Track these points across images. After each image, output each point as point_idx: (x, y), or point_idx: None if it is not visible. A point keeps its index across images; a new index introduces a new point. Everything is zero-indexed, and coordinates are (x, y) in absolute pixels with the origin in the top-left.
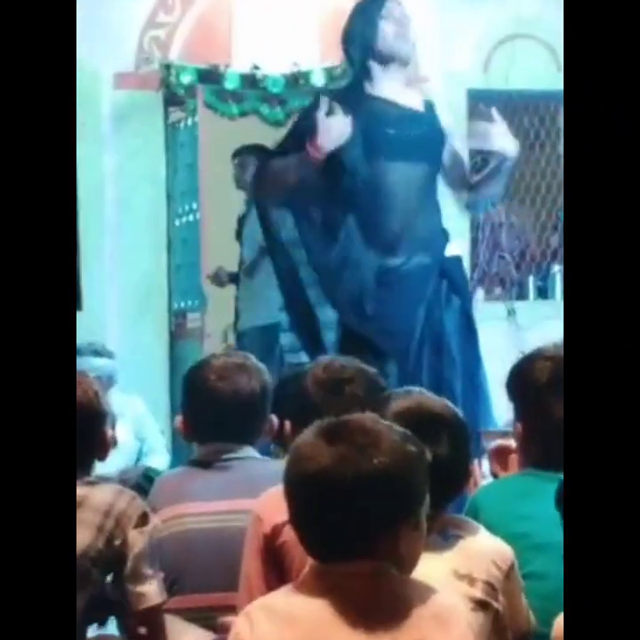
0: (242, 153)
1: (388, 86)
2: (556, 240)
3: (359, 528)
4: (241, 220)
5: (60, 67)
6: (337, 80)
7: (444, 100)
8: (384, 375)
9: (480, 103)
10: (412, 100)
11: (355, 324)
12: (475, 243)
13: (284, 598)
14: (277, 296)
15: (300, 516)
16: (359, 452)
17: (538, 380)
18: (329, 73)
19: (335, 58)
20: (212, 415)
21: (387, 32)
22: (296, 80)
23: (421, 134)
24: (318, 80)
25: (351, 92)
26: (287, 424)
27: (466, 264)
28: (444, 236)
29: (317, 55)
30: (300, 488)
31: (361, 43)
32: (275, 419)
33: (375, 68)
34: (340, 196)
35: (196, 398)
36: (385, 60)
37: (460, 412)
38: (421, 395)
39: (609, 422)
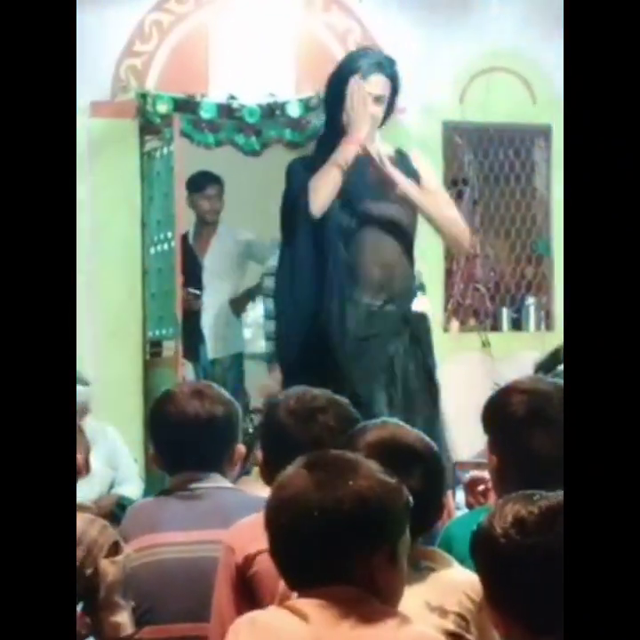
0: (210, 182)
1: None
2: (530, 272)
3: (335, 553)
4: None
5: (56, 94)
6: (312, 110)
7: (419, 132)
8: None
9: (455, 135)
10: (383, 152)
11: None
12: (449, 274)
13: (268, 613)
14: (239, 324)
15: (278, 542)
16: (337, 478)
17: (514, 413)
18: (305, 104)
19: (311, 89)
20: (174, 443)
21: (360, 94)
22: (272, 110)
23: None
24: (294, 111)
25: (327, 143)
26: (259, 454)
27: (440, 295)
28: (414, 289)
29: (293, 86)
30: (278, 513)
31: (337, 104)
32: (242, 447)
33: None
34: (329, 233)
35: (160, 428)
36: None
37: (433, 445)
38: (397, 426)
39: (608, 430)
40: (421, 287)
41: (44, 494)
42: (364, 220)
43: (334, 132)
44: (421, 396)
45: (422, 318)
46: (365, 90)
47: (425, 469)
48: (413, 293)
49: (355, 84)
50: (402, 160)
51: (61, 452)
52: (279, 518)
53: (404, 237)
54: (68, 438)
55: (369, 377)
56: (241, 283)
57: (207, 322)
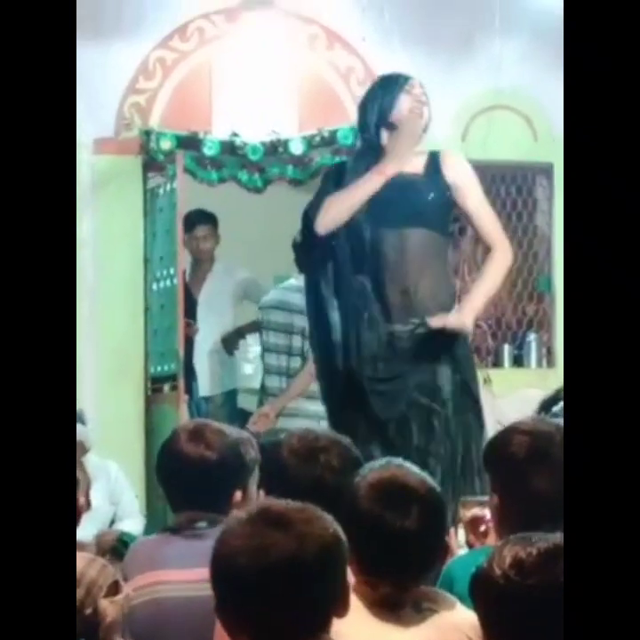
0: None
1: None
2: (531, 309)
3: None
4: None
5: (58, 131)
6: (315, 148)
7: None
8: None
9: None
10: (412, 164)
11: (363, 384)
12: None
13: None
14: (236, 362)
15: (235, 607)
16: (274, 540)
17: (515, 454)
18: (308, 141)
19: (313, 126)
20: (176, 484)
21: (403, 104)
22: (275, 148)
23: (424, 200)
24: (297, 148)
25: (364, 158)
26: (261, 494)
27: None
28: (450, 303)
29: (296, 123)
30: (229, 584)
31: (378, 111)
32: (239, 494)
33: (385, 135)
34: (355, 258)
35: (162, 467)
36: (394, 130)
37: (435, 486)
38: (398, 467)
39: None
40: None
41: (44, 532)
42: (384, 240)
43: (372, 145)
44: (467, 421)
45: (462, 339)
46: (420, 122)
47: (423, 511)
48: (450, 309)
49: (415, 111)
50: (433, 165)
51: (61, 490)
52: (222, 577)
53: (436, 243)
54: (67, 476)
55: (403, 412)
56: (235, 321)
57: (199, 359)
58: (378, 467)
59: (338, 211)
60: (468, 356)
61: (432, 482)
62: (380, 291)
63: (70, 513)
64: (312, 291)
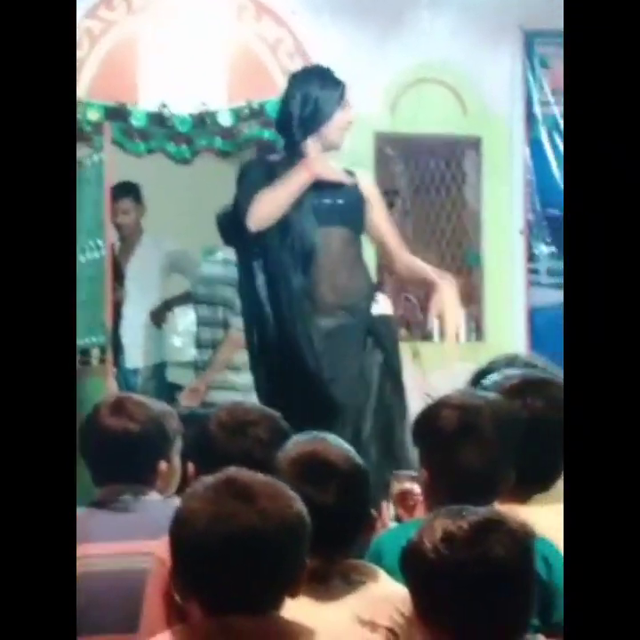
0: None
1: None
2: (460, 283)
3: (256, 584)
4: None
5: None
6: (244, 120)
7: (351, 143)
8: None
9: (387, 146)
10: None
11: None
12: (380, 285)
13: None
14: (165, 335)
15: (189, 572)
16: (236, 510)
17: (444, 428)
18: (236, 113)
19: (242, 98)
20: (98, 457)
21: (337, 123)
22: (203, 119)
23: (348, 200)
24: (225, 120)
25: (290, 162)
26: (190, 466)
27: None
28: (371, 293)
29: (225, 95)
30: (186, 548)
31: (307, 125)
32: (163, 464)
33: (311, 145)
34: (289, 256)
35: (84, 442)
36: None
37: (356, 460)
38: (321, 441)
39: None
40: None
41: (43, 530)
42: (315, 240)
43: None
44: (392, 403)
45: (384, 321)
46: (345, 123)
47: (343, 485)
48: (371, 300)
49: (344, 116)
50: (351, 176)
51: (61, 488)
52: (188, 552)
53: (357, 240)
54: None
55: (345, 395)
56: (164, 293)
57: (127, 331)
58: (302, 441)
59: (269, 209)
60: (392, 340)
61: (355, 456)
62: (307, 280)
63: (70, 513)
64: (243, 267)
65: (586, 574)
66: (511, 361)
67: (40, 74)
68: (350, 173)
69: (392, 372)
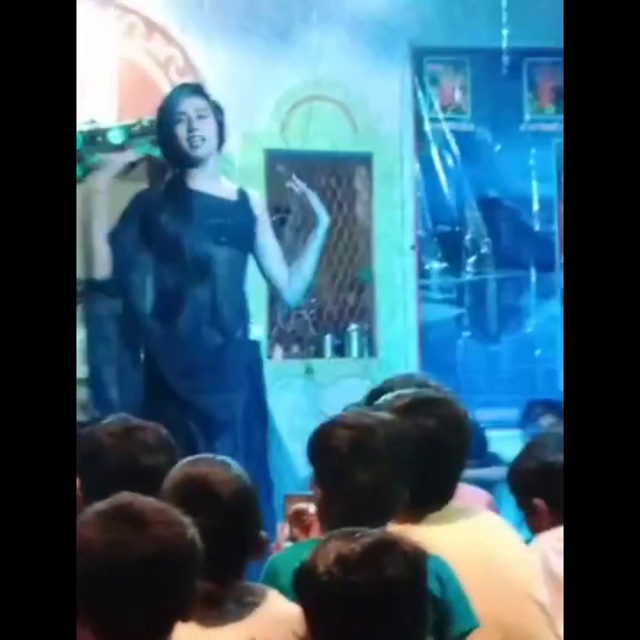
0: None
1: (201, 180)
2: (352, 299)
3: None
4: None
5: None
6: (135, 137)
7: (242, 160)
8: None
9: (278, 163)
10: (225, 190)
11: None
12: (273, 301)
13: None
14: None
15: (83, 599)
16: (130, 538)
17: (338, 447)
18: (127, 130)
19: (132, 116)
20: None
21: (180, 138)
22: (94, 137)
23: (236, 221)
24: (116, 137)
25: (175, 186)
26: (78, 482)
27: (264, 322)
28: (247, 318)
29: (115, 112)
30: (79, 576)
31: (166, 151)
32: None
33: (186, 169)
34: (183, 274)
35: None
36: (190, 163)
37: (240, 482)
38: (203, 464)
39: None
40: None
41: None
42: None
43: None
44: (253, 422)
45: (255, 346)
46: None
47: (226, 508)
48: (247, 324)
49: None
50: (243, 197)
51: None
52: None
53: (242, 263)
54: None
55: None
56: None
57: None
58: (186, 465)
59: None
60: (259, 362)
61: (240, 477)
62: (209, 303)
63: (70, 511)
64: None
65: (586, 577)
66: (406, 380)
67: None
68: (242, 192)
69: (256, 392)
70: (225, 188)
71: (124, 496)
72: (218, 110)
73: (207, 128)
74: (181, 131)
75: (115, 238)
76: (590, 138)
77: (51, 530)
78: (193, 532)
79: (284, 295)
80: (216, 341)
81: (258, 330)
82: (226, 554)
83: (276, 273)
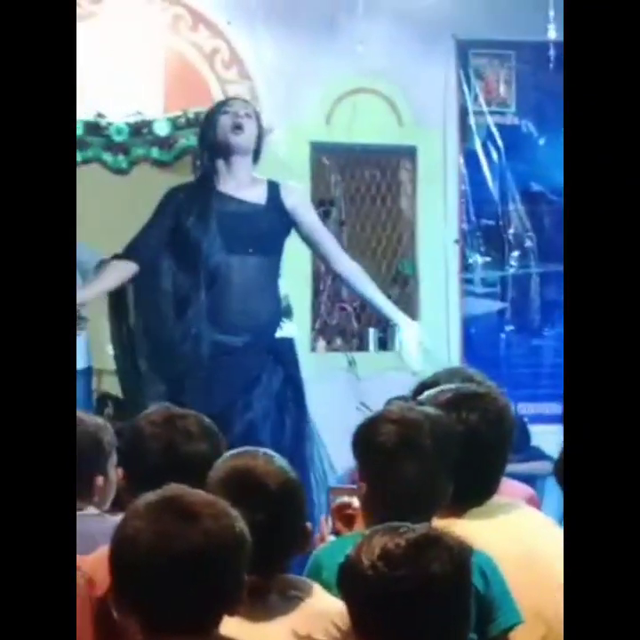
0: None
1: (231, 182)
2: (395, 292)
3: (194, 604)
4: None
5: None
6: (180, 129)
7: (287, 153)
8: None
9: (322, 156)
10: (255, 193)
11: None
12: (316, 294)
13: None
14: (85, 339)
15: (130, 590)
16: (179, 530)
17: (383, 443)
18: (172, 122)
19: (178, 108)
20: None
21: (223, 124)
22: (139, 129)
23: (265, 229)
24: (162, 129)
25: (203, 187)
26: (119, 472)
27: (307, 316)
28: (277, 319)
29: (161, 104)
30: (128, 566)
31: (205, 139)
32: (100, 478)
33: (220, 163)
34: (195, 276)
35: None
36: (225, 153)
37: (288, 475)
38: (250, 457)
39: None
40: (288, 311)
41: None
42: (228, 262)
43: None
44: (290, 411)
45: (288, 343)
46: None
47: (274, 502)
48: (276, 325)
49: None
50: (272, 195)
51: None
52: (129, 571)
53: (271, 268)
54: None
55: (231, 402)
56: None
57: None
58: (231, 458)
59: None
60: (293, 358)
61: (286, 470)
62: (217, 308)
63: (70, 510)
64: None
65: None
66: (452, 374)
67: (39, 89)
68: (272, 186)
69: (293, 386)
70: (255, 193)
71: (174, 488)
72: (260, 118)
73: (250, 126)
74: (225, 120)
75: (143, 235)
76: (592, 138)
77: (50, 530)
78: (241, 524)
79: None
80: (228, 345)
81: (292, 327)
82: (272, 546)
83: (329, 249)
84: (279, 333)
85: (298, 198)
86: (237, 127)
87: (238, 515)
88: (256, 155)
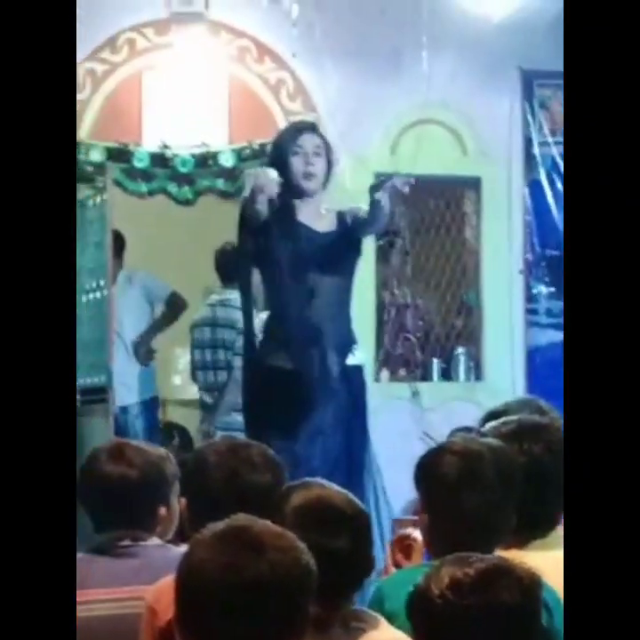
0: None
1: (306, 214)
2: (459, 322)
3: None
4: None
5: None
6: (245, 160)
7: (352, 183)
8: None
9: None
10: (326, 223)
11: None
12: (380, 324)
13: None
14: (152, 370)
15: (195, 619)
16: (246, 562)
17: (446, 475)
18: (238, 153)
19: (243, 139)
20: (97, 504)
21: (296, 170)
22: (205, 160)
23: (337, 254)
24: (227, 160)
25: (284, 215)
26: (182, 502)
27: (371, 345)
28: (350, 344)
29: (226, 136)
30: (193, 595)
31: (280, 175)
32: (163, 509)
33: (294, 201)
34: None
35: (82, 488)
36: (299, 195)
37: (359, 503)
38: (321, 487)
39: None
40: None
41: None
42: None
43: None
44: (356, 445)
45: (356, 370)
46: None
47: (352, 529)
48: (349, 348)
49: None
50: (343, 223)
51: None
52: (192, 601)
53: (345, 294)
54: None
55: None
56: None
57: (114, 370)
58: (300, 487)
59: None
60: (361, 386)
61: (356, 500)
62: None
63: (70, 510)
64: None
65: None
66: (522, 405)
67: (42, 115)
68: (340, 215)
69: (358, 415)
70: (325, 222)
71: (241, 518)
72: (329, 149)
73: (320, 165)
74: (298, 163)
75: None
76: (591, 167)
77: (51, 574)
78: (308, 557)
79: None
80: (322, 369)
81: (362, 354)
82: (345, 575)
83: None
84: (350, 360)
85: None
86: (309, 175)
87: (305, 547)
88: (324, 184)
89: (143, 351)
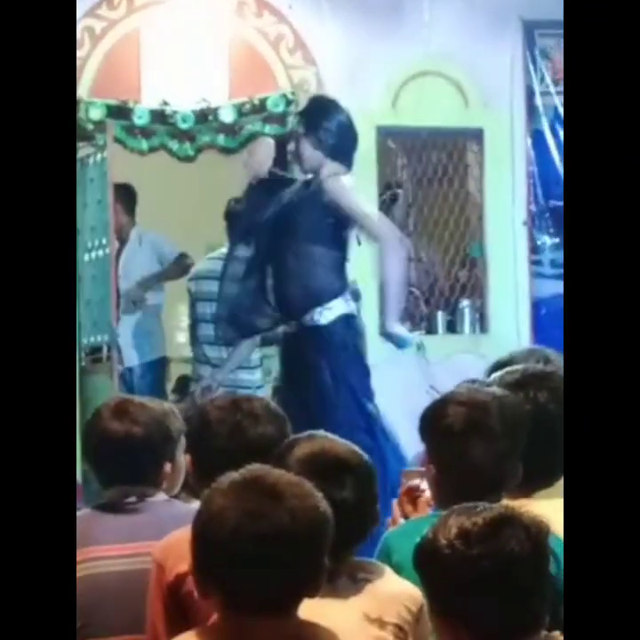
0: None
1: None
2: (464, 275)
3: (277, 585)
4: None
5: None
6: (246, 116)
7: None
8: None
9: (389, 139)
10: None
11: None
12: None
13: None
14: (160, 330)
15: (214, 568)
16: (266, 509)
17: (451, 425)
18: (238, 109)
19: (244, 94)
20: (103, 460)
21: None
22: (205, 116)
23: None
24: (227, 116)
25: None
26: (187, 457)
27: (375, 300)
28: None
29: (226, 91)
30: (212, 544)
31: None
32: (168, 464)
33: None
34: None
35: (88, 445)
36: None
37: (364, 454)
38: (325, 439)
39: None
40: (356, 296)
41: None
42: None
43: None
44: (359, 398)
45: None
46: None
47: (357, 480)
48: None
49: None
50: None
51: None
52: (213, 552)
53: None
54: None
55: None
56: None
57: (122, 330)
58: (303, 439)
59: None
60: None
61: (359, 450)
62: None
63: (70, 510)
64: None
65: (586, 571)
66: (530, 354)
67: (41, 73)
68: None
69: (358, 367)
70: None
71: (257, 468)
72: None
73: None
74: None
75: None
76: (591, 119)
77: (52, 531)
78: (325, 505)
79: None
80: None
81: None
82: (354, 527)
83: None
84: (328, 315)
85: (333, 183)
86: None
87: (321, 495)
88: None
89: (133, 297)
